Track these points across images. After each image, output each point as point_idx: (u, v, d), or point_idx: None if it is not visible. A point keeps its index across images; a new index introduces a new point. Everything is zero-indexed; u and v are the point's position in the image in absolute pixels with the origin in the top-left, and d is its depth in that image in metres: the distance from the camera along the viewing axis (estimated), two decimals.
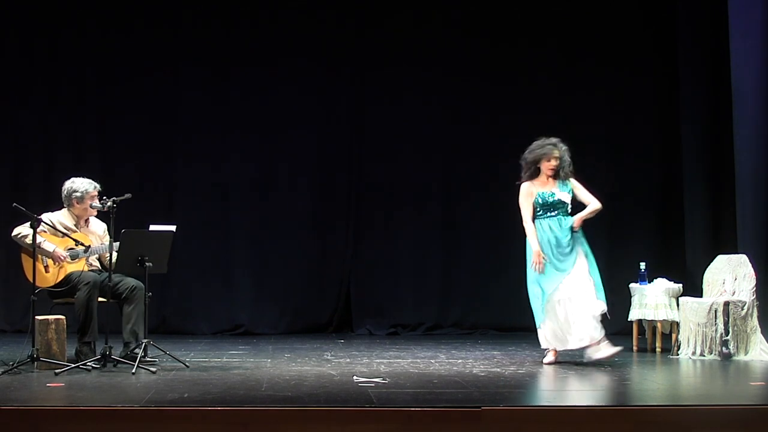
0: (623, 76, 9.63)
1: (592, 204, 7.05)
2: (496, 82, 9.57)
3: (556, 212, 7.02)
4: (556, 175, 7.03)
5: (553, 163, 6.99)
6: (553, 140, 7.07)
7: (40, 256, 6.71)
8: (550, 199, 7.00)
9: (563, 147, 7.06)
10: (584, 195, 7.09)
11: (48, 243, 6.80)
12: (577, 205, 7.14)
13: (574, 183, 7.09)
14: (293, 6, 9.56)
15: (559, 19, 9.62)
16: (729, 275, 7.63)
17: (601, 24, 9.66)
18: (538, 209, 7.04)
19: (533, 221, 7.03)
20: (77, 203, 7.05)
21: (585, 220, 7.03)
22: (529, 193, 7.02)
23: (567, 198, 7.03)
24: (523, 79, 9.61)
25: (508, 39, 9.60)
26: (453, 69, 9.57)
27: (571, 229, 6.98)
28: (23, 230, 6.77)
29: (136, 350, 6.63)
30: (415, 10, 9.60)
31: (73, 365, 6.42)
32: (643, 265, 8.01)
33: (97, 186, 7.10)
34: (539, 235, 6.99)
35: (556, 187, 7.03)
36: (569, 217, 7.03)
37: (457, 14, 9.60)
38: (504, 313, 9.57)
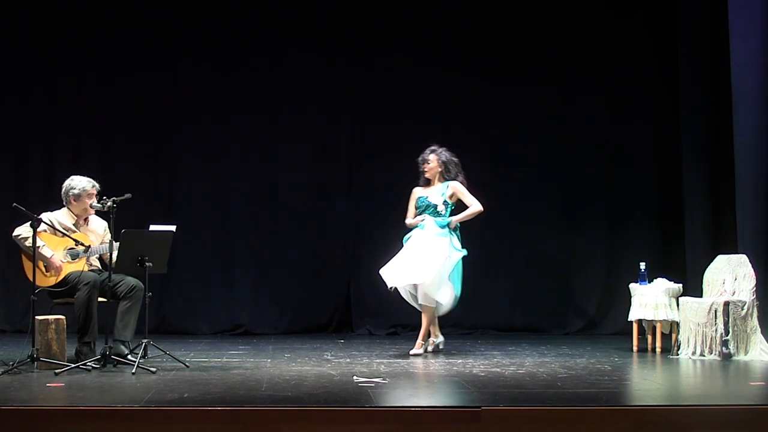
0: (623, 76, 9.64)
1: (473, 206, 7.71)
2: (496, 83, 9.59)
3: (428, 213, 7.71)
4: (441, 178, 7.76)
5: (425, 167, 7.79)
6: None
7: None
8: (423, 203, 7.71)
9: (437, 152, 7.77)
10: (467, 198, 7.73)
11: (47, 249, 6.78)
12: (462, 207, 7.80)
13: (454, 187, 7.72)
14: (294, 7, 9.55)
15: (559, 20, 9.63)
16: (729, 275, 7.63)
17: (601, 24, 9.67)
18: (419, 210, 7.76)
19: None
20: (74, 201, 7.05)
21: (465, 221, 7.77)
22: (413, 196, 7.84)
23: (438, 200, 7.69)
24: (523, 80, 9.62)
25: (508, 41, 9.61)
26: (453, 71, 9.58)
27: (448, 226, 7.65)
28: (24, 232, 6.76)
29: (135, 351, 6.63)
30: (416, 14, 9.60)
31: (73, 365, 6.42)
32: (643, 265, 8.01)
33: (96, 185, 7.09)
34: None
35: (435, 191, 7.73)
36: (441, 217, 7.68)
37: (458, 17, 9.61)
38: (504, 313, 9.58)
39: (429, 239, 7.55)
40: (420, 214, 7.75)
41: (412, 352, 7.56)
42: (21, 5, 9.35)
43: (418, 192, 7.82)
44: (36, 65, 9.41)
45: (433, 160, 7.76)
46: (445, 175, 7.75)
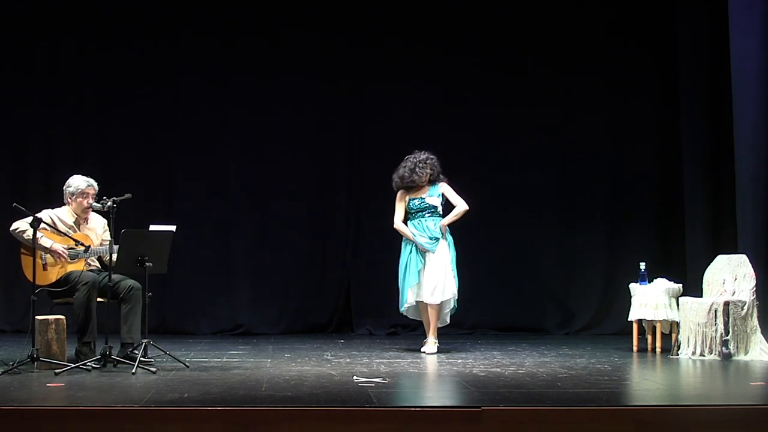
0: (624, 75, 9.65)
1: (459, 206, 7.80)
2: (496, 85, 9.63)
3: (425, 215, 7.80)
4: (430, 180, 7.86)
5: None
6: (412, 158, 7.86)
7: (39, 254, 6.69)
8: (420, 204, 7.79)
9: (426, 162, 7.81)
10: (453, 198, 7.86)
11: (46, 239, 6.78)
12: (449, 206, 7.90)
13: (443, 187, 7.85)
14: (293, 18, 9.55)
15: (558, 25, 9.65)
16: (729, 275, 7.63)
17: (602, 30, 9.68)
18: (413, 212, 7.83)
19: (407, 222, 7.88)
20: (70, 199, 7.05)
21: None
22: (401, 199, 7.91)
23: (436, 201, 7.80)
24: (524, 82, 9.65)
25: (508, 44, 9.63)
26: (453, 74, 9.62)
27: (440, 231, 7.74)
28: (21, 225, 6.74)
29: (135, 351, 6.63)
30: (416, 25, 9.61)
31: (73, 365, 6.42)
32: (643, 265, 8.00)
33: (93, 185, 7.08)
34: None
35: (426, 192, 7.83)
36: (439, 217, 7.80)
37: (457, 35, 9.62)
38: (504, 313, 9.58)
39: (437, 254, 7.67)
40: (417, 216, 7.78)
41: (428, 350, 7.66)
42: (22, 8, 9.35)
43: (407, 194, 7.85)
44: (37, 68, 9.42)
45: (426, 174, 7.78)
46: (432, 177, 7.85)
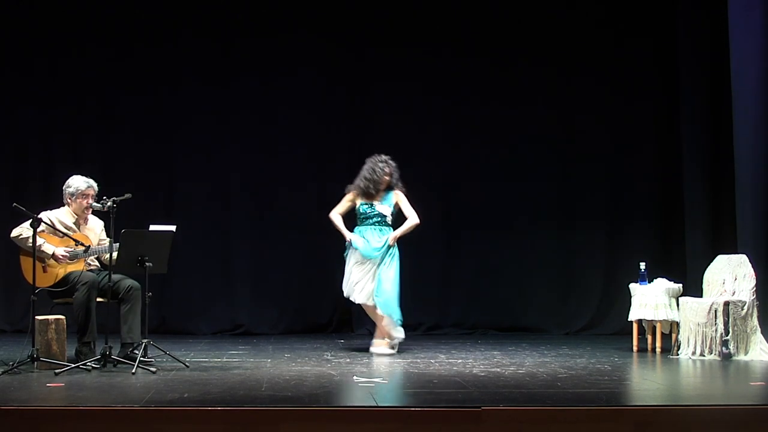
0: (624, 75, 9.65)
1: (410, 219, 7.66)
2: (496, 85, 9.64)
3: (374, 222, 7.67)
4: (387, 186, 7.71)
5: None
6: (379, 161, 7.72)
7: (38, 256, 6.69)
8: (370, 211, 7.67)
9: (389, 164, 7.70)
10: (406, 209, 7.71)
11: (48, 245, 6.78)
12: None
13: (398, 196, 7.70)
14: (293, 18, 9.55)
15: (559, 27, 9.64)
16: (729, 275, 7.63)
17: (602, 25, 9.67)
18: (361, 218, 7.72)
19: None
20: (70, 199, 7.06)
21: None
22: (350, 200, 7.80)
23: (386, 210, 7.65)
24: (525, 82, 9.64)
25: (508, 46, 9.63)
26: (453, 75, 9.61)
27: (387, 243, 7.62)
28: (23, 232, 6.75)
29: (135, 351, 6.63)
30: (416, 26, 9.61)
31: (73, 365, 6.42)
32: (643, 265, 8.00)
33: (93, 185, 7.07)
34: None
35: (378, 200, 7.68)
36: (387, 227, 7.68)
37: (458, 36, 9.62)
38: (504, 313, 9.58)
39: (379, 262, 7.64)
40: (365, 223, 7.70)
41: (380, 351, 7.67)
42: (23, 7, 9.35)
43: (357, 197, 7.75)
44: (37, 68, 9.41)
45: (388, 174, 7.68)
46: (389, 182, 7.74)
